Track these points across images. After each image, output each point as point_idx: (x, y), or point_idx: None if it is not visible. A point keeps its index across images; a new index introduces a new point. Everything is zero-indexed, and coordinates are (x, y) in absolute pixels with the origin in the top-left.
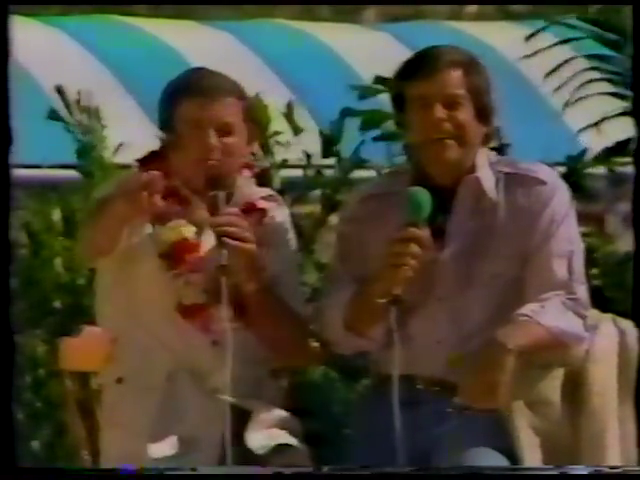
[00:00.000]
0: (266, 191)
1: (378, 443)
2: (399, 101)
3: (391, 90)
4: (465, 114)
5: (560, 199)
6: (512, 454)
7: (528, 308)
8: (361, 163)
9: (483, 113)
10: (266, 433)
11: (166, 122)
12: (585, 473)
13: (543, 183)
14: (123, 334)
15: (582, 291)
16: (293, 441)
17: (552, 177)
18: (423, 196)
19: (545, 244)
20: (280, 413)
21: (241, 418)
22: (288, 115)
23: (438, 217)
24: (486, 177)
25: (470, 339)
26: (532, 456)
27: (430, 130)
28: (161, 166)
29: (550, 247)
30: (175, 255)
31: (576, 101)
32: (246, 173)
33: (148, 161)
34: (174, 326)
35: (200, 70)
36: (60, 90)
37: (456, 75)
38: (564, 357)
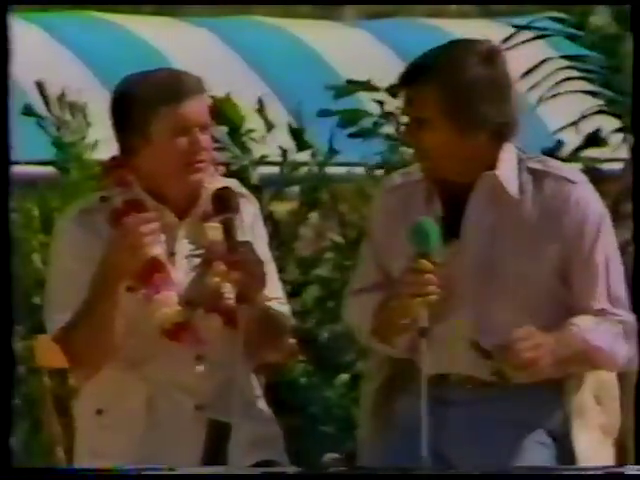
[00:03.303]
0: (232, 186)
1: (402, 442)
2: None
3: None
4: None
5: (592, 202)
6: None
7: (582, 320)
8: (336, 156)
9: (467, 125)
10: (248, 448)
11: (136, 130)
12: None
13: (572, 182)
14: None
15: (622, 292)
16: (275, 456)
17: (581, 178)
18: (430, 226)
19: (587, 253)
20: (262, 427)
21: (223, 433)
22: (260, 110)
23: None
24: (506, 173)
25: (497, 338)
26: (584, 437)
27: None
28: (124, 174)
29: (593, 257)
30: (144, 275)
31: (551, 97)
32: (210, 169)
33: (112, 168)
34: (156, 345)
35: (165, 72)
36: (40, 85)
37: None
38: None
